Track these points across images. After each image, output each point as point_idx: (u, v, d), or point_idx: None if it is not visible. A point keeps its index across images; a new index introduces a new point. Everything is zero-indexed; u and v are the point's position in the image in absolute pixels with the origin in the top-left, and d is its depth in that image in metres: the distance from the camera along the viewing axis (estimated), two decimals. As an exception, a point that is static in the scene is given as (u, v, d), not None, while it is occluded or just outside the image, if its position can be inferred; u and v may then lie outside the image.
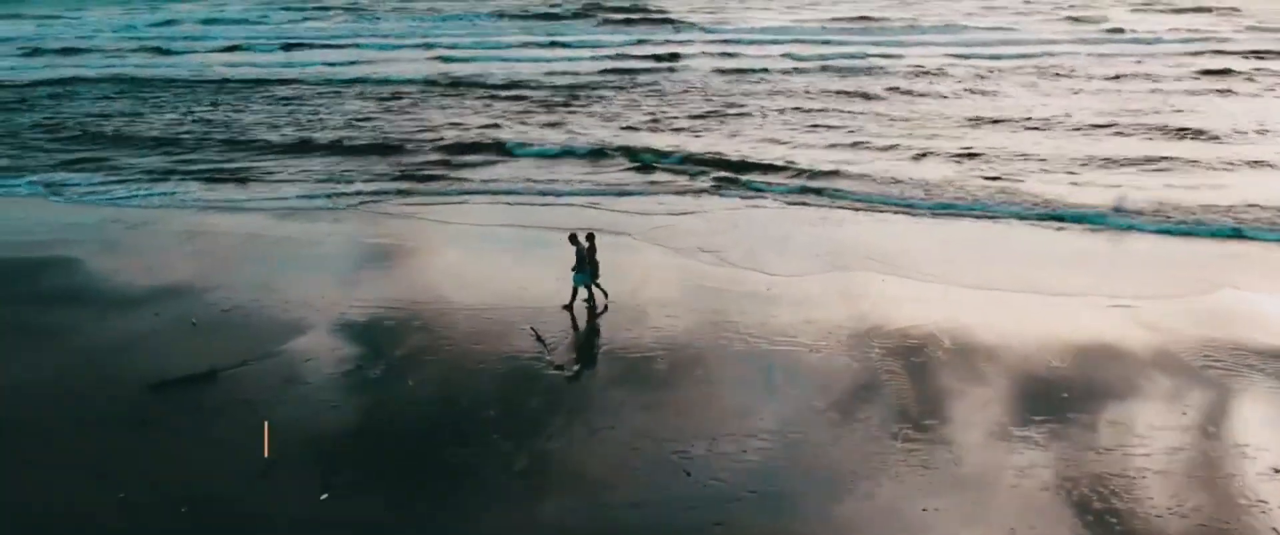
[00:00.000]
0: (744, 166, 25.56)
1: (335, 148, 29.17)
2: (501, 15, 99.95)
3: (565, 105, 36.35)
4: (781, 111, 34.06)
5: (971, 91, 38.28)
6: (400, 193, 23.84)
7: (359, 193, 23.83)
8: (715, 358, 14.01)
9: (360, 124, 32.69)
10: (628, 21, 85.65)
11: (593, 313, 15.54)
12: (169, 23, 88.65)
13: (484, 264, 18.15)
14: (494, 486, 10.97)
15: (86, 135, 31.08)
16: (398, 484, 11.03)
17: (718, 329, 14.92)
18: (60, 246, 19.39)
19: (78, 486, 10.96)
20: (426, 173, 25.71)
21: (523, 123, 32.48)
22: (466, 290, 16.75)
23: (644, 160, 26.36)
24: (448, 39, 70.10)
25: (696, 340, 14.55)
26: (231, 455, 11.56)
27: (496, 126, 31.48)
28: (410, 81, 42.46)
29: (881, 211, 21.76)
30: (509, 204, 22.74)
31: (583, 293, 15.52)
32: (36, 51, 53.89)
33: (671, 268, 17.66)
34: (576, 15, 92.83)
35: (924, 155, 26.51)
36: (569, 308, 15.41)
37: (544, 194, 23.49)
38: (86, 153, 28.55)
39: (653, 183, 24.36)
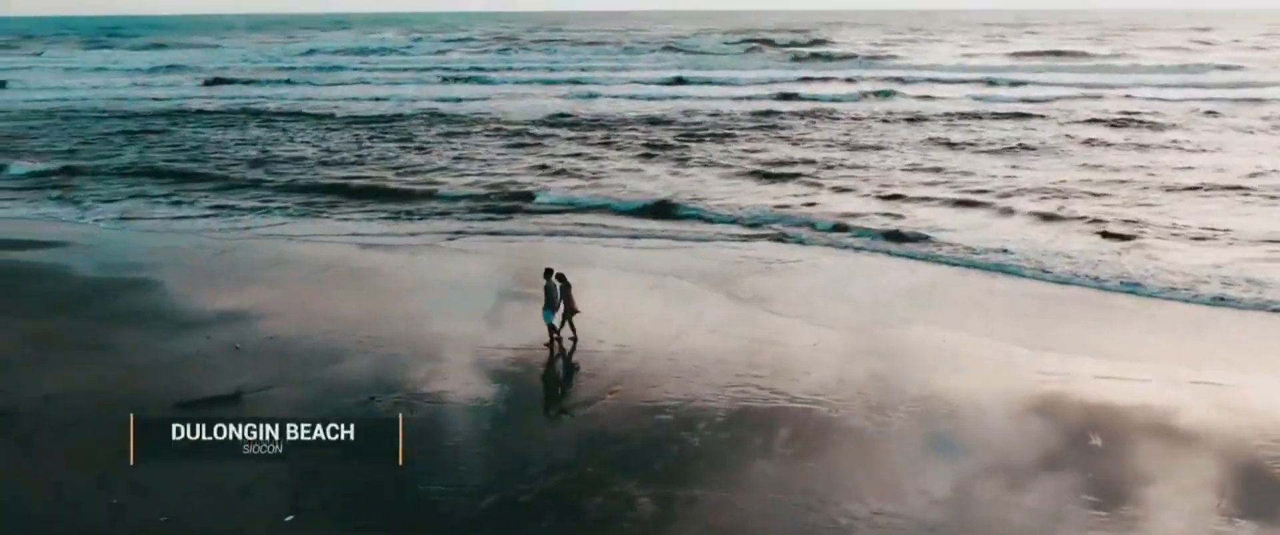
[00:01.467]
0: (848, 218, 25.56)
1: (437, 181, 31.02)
2: (669, 47, 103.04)
3: (685, 144, 36.76)
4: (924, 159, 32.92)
5: (1176, 144, 35.56)
6: (490, 233, 24.96)
7: (458, 232, 25.16)
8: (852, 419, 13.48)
9: (468, 165, 34.49)
10: (797, 58, 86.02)
11: (561, 350, 16.17)
12: (311, 52, 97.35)
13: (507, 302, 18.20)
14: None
15: (210, 164, 34.72)
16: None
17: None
18: (149, 269, 21.35)
19: (76, 488, 11.74)
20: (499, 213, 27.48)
21: (626, 163, 33.37)
22: (499, 330, 16.99)
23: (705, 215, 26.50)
24: (590, 72, 72.97)
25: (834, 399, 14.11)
26: (225, 474, 11.99)
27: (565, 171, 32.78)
28: (543, 120, 44.82)
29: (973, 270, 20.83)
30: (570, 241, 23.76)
31: (566, 330, 16.35)
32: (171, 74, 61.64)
33: (789, 322, 17.32)
34: (746, 49, 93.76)
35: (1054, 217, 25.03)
36: (548, 345, 16.15)
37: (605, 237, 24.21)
38: (194, 183, 31.97)
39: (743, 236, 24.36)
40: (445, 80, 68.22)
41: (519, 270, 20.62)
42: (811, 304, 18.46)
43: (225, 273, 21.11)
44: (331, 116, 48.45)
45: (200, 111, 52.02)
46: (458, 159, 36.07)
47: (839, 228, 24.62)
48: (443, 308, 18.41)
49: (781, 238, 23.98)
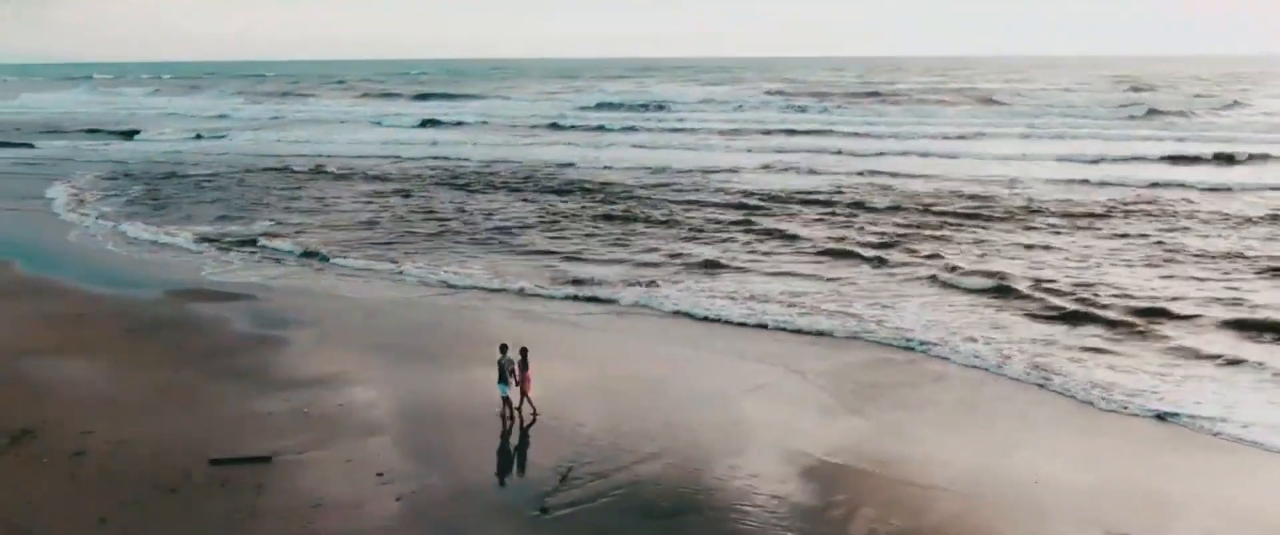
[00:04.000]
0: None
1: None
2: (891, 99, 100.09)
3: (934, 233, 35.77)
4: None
5: None
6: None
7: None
8: None
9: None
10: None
11: (513, 422, 18.37)
12: (603, 106, 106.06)
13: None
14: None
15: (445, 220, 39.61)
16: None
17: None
18: (297, 327, 25.08)
19: (80, 523, 14.48)
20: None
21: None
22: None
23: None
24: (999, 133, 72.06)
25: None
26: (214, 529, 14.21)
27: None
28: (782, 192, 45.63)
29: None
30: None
31: (530, 404, 18.70)
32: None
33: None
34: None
35: None
36: (502, 415, 18.51)
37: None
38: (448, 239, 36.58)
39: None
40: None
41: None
42: None
43: (362, 337, 24.27)
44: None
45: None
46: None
47: None
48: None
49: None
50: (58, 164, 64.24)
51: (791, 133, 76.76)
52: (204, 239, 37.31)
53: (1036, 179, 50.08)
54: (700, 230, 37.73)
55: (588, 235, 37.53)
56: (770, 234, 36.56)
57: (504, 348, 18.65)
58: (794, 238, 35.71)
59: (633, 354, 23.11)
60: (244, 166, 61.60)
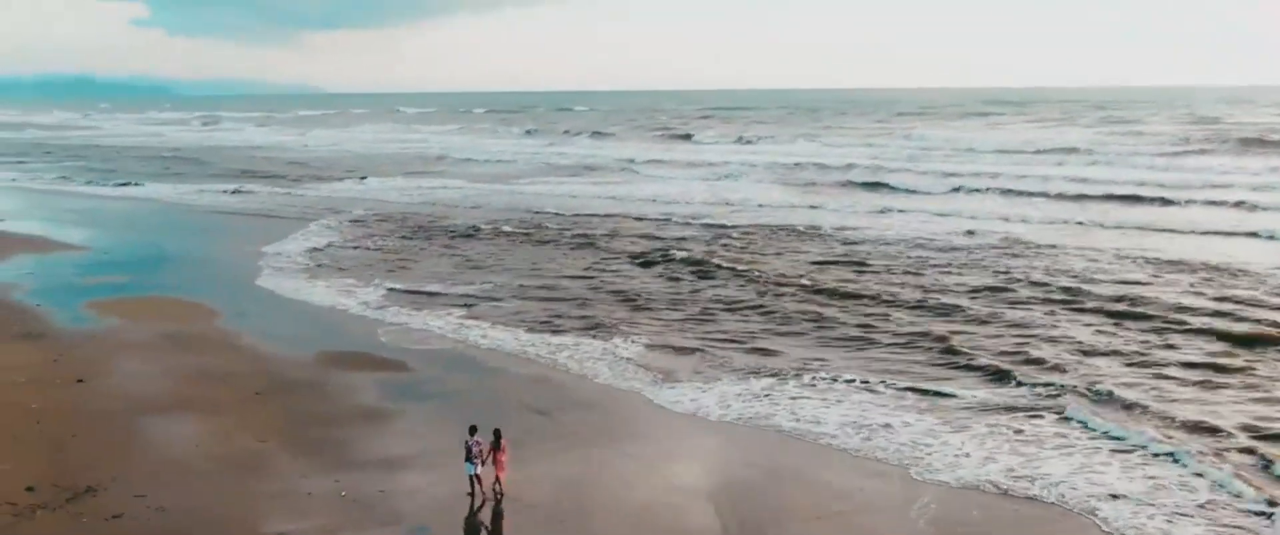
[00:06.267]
0: None
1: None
2: None
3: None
4: None
5: None
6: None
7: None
8: None
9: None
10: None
11: (483, 500, 20.86)
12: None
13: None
14: None
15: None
16: None
17: None
18: (410, 400, 27.45)
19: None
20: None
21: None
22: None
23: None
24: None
25: None
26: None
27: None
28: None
29: None
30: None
31: (499, 483, 21.06)
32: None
33: None
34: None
35: None
36: (469, 494, 21.05)
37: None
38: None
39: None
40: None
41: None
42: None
43: (481, 418, 26.00)
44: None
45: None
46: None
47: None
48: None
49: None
50: (309, 208, 73.40)
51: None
52: (405, 299, 41.06)
53: None
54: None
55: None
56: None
57: (473, 429, 21.28)
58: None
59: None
60: (498, 220, 66.38)
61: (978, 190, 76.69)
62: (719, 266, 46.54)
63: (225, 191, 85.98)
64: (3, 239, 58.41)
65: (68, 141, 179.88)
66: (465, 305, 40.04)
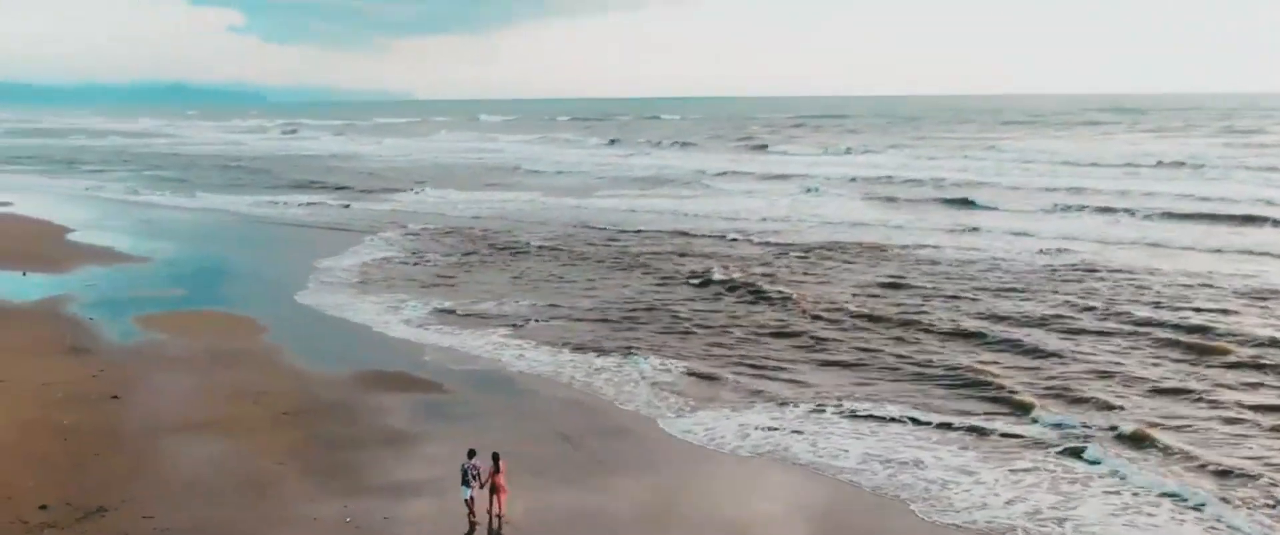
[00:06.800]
0: None
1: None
2: None
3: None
4: None
5: None
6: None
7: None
8: None
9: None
10: None
11: (476, 524, 21.75)
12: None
13: None
14: None
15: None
16: None
17: None
18: (439, 422, 28.24)
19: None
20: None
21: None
22: None
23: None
24: None
25: None
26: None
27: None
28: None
29: None
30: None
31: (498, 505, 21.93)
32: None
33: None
34: None
35: None
36: (468, 517, 21.89)
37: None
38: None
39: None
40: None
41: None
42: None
43: (507, 442, 26.52)
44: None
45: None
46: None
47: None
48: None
49: None
50: (364, 221, 75.09)
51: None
52: (452, 318, 42.09)
53: None
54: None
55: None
56: None
57: (471, 452, 22.09)
58: None
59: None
60: (559, 236, 67.04)
61: (1071, 208, 75.13)
62: (772, 290, 46.50)
63: (291, 204, 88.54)
64: (73, 250, 61.23)
65: (148, 149, 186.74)
66: (513, 325, 40.83)
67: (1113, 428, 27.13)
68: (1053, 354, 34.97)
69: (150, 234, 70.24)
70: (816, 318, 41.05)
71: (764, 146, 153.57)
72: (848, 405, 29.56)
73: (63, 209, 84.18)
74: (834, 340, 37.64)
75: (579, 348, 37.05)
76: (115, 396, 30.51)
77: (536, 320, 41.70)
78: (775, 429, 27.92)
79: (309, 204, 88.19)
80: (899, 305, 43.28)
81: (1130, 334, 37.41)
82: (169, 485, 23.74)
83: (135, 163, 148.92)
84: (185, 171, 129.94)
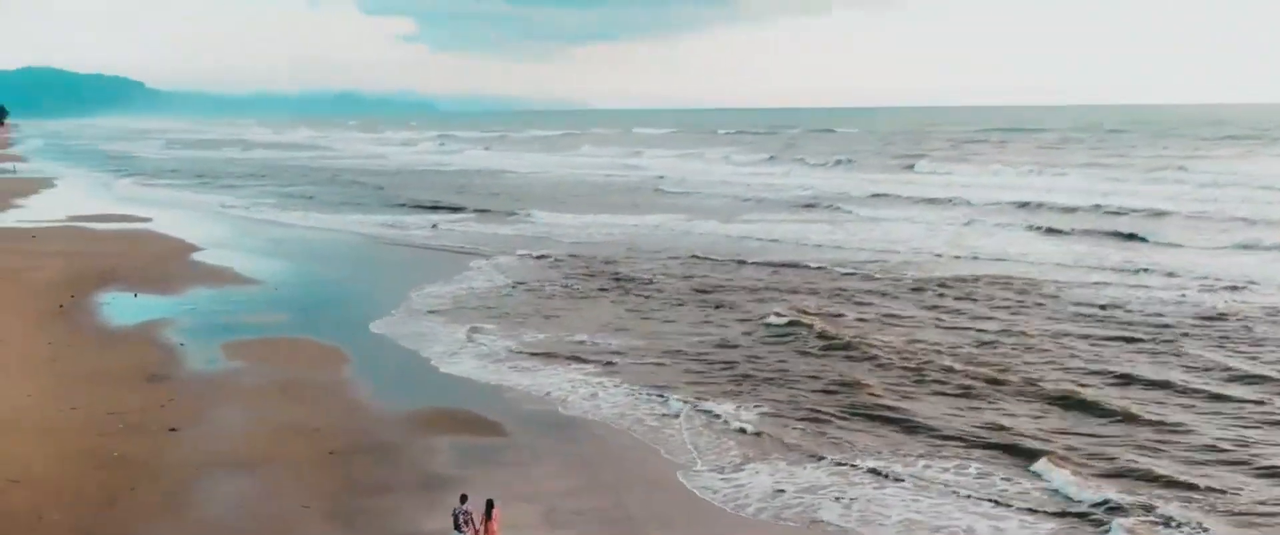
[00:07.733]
0: None
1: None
2: None
3: None
4: None
5: None
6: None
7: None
8: None
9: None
10: None
11: None
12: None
13: None
14: None
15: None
16: None
17: None
18: (481, 467, 29.29)
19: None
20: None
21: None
22: None
23: None
24: None
25: None
26: None
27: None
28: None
29: None
30: None
31: None
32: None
33: None
34: None
35: None
36: None
37: None
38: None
39: None
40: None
41: None
42: None
43: (540, 500, 27.67)
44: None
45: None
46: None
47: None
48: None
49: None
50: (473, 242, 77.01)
51: None
52: (540, 354, 43.30)
53: None
54: None
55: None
56: None
57: (463, 498, 23.55)
58: None
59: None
60: (680, 266, 67.51)
61: (1266, 247, 69.82)
62: (880, 340, 45.27)
63: (410, 225, 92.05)
64: (191, 271, 65.13)
65: (292, 162, 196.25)
66: (599, 363, 41.77)
67: (1196, 522, 25.70)
68: (1157, 423, 33.50)
69: (268, 253, 74.11)
70: (913, 371, 40.37)
71: (910, 165, 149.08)
72: (904, 470, 29.70)
73: (195, 227, 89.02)
74: (924, 398, 37.15)
75: (660, 390, 37.66)
76: (173, 429, 32.65)
77: (630, 359, 42.47)
78: (817, 488, 28.24)
79: (439, 227, 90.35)
80: (1005, 360, 42.02)
81: (1261, 404, 35.14)
82: (191, 525, 25.46)
83: (275, 177, 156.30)
84: (321, 187, 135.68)
